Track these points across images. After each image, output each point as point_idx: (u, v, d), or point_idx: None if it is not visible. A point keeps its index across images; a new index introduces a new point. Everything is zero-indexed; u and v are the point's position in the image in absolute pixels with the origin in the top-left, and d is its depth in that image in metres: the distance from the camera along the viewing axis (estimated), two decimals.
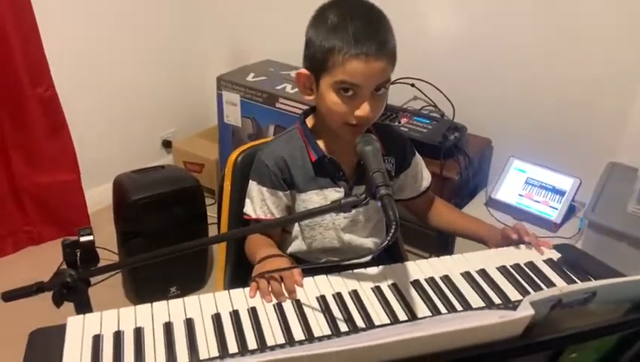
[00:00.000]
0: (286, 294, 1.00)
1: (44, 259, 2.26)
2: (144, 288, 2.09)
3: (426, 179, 1.34)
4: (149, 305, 0.96)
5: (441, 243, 2.15)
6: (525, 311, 0.58)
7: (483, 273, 1.09)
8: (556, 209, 1.98)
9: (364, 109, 1.07)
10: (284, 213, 1.22)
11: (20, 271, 2.24)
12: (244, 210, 1.24)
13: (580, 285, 0.60)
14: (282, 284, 1.02)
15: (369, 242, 1.28)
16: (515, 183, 2.07)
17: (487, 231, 1.28)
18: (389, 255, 1.35)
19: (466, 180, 2.12)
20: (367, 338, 0.60)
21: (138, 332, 0.90)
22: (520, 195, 2.04)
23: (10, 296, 1.02)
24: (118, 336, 0.89)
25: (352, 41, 1.02)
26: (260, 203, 1.20)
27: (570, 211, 2.00)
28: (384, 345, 0.59)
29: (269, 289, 1.01)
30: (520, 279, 1.08)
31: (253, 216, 1.21)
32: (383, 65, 1.05)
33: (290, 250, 1.27)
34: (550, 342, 0.61)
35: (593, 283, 0.61)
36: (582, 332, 0.62)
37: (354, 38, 1.02)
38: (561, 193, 1.99)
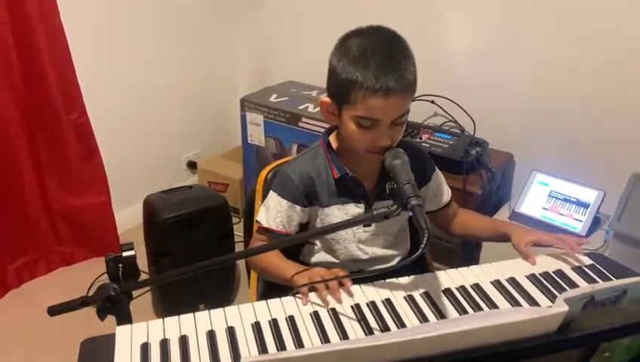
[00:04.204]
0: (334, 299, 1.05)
1: (76, 280, 2.32)
2: (173, 306, 2.12)
3: (446, 193, 1.37)
4: (192, 314, 1.00)
5: (466, 259, 2.16)
6: (560, 308, 0.61)
7: (513, 281, 1.12)
8: (581, 221, 1.98)
9: (383, 140, 1.11)
10: (296, 229, 1.25)
11: (53, 291, 2.29)
12: (257, 217, 1.27)
13: (610, 282, 0.63)
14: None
15: (391, 253, 1.32)
16: (539, 196, 2.08)
17: (512, 228, 1.30)
18: (419, 266, 1.38)
19: (489, 194, 2.13)
20: (404, 334, 0.63)
21: (183, 340, 0.94)
22: (544, 208, 2.05)
23: (56, 310, 1.08)
24: (164, 344, 0.94)
25: (373, 78, 1.05)
26: (275, 213, 1.23)
27: (595, 223, 1.99)
28: (421, 340, 0.62)
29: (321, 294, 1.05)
30: (549, 286, 1.10)
31: (264, 225, 1.24)
32: (402, 99, 1.09)
33: (314, 260, 1.31)
34: (584, 337, 0.64)
35: (624, 281, 0.64)
36: (615, 329, 0.65)
37: (374, 74, 1.05)
38: (585, 205, 2.00)
